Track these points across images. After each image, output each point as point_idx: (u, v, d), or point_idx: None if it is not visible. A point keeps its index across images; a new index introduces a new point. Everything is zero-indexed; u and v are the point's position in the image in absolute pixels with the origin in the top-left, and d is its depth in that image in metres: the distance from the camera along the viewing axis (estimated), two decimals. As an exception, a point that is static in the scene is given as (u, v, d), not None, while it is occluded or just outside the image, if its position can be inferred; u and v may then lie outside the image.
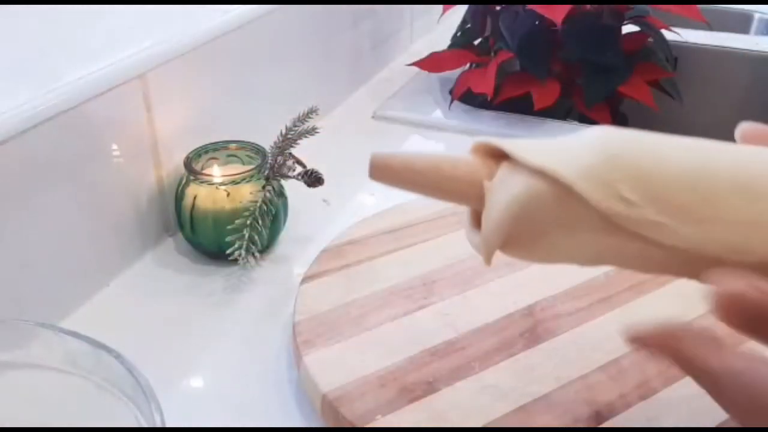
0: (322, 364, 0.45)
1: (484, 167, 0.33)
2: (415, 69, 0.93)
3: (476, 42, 0.92)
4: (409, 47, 1.07)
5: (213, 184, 0.58)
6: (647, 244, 0.30)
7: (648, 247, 0.30)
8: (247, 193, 0.58)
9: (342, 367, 0.45)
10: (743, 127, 0.34)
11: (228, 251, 0.56)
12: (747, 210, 0.29)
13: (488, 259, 0.33)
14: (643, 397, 0.43)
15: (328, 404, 0.43)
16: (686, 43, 1.02)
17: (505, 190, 0.31)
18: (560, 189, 0.30)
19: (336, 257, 0.55)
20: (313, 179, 0.61)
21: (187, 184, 0.59)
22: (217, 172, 0.60)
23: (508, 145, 0.32)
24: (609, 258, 0.32)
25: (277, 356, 0.51)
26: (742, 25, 1.22)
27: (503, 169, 0.32)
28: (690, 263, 0.30)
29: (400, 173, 0.33)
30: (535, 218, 0.31)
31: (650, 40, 0.88)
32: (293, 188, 0.62)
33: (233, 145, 0.63)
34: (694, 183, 0.29)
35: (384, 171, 0.33)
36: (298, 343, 0.47)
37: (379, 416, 0.42)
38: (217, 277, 0.59)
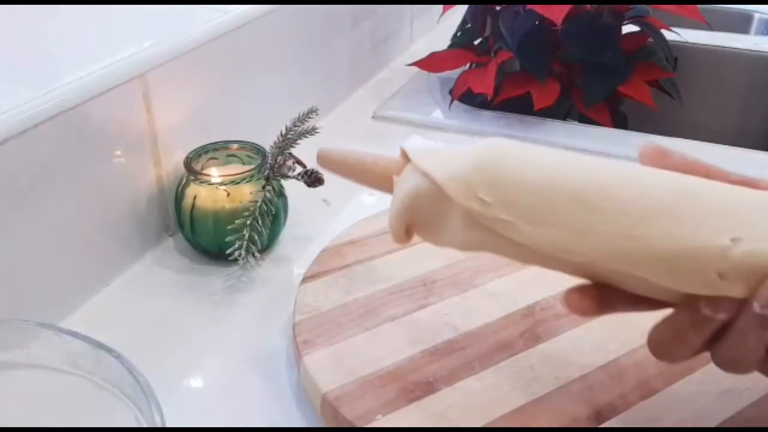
0: (322, 364, 0.45)
1: (397, 166, 0.40)
2: (415, 69, 0.93)
3: (476, 42, 0.92)
4: (409, 47, 1.07)
5: (213, 184, 0.58)
6: (500, 237, 0.35)
7: (501, 240, 0.35)
8: (247, 193, 0.58)
9: (342, 367, 0.45)
10: (642, 148, 0.37)
11: (228, 251, 0.56)
12: (579, 218, 0.34)
13: (395, 239, 0.40)
14: (643, 397, 0.43)
15: (328, 404, 0.43)
16: (686, 43, 1.02)
17: (402, 186, 0.38)
18: (438, 188, 0.36)
19: (336, 257, 0.55)
20: (313, 179, 0.61)
21: (187, 184, 0.59)
22: (215, 173, 0.60)
23: (411, 150, 0.39)
24: (478, 246, 0.38)
25: (277, 356, 0.51)
26: (742, 25, 1.22)
27: (407, 169, 0.39)
28: (536, 257, 0.36)
29: (336, 163, 0.42)
30: (420, 210, 0.38)
31: (650, 40, 0.88)
32: (293, 188, 0.62)
33: (233, 145, 0.63)
34: (540, 191, 0.34)
35: (325, 160, 0.43)
36: (298, 343, 0.47)
37: (379, 416, 0.42)
38: (217, 277, 0.59)
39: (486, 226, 0.35)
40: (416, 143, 0.40)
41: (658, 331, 0.35)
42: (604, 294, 0.36)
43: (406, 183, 0.38)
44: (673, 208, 0.33)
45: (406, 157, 0.40)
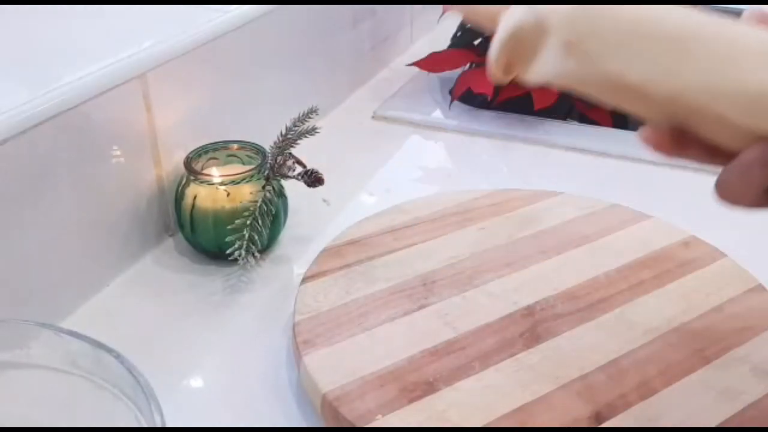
0: (322, 364, 0.45)
1: (503, 6, 0.42)
2: (415, 69, 0.93)
3: (476, 42, 0.92)
4: (409, 47, 1.07)
5: (213, 184, 0.58)
6: (591, 69, 0.38)
7: (592, 73, 0.38)
8: (247, 193, 0.58)
9: (342, 367, 0.45)
10: (748, 11, 0.39)
11: (228, 251, 0.56)
12: (669, 54, 0.36)
13: (494, 75, 0.42)
14: (643, 397, 0.43)
15: (328, 404, 0.43)
16: (686, 43, 1.02)
17: (508, 20, 0.41)
18: (540, 21, 0.39)
19: (336, 257, 0.55)
20: (313, 179, 0.61)
21: (187, 184, 0.59)
22: (215, 173, 0.60)
23: None
24: (570, 78, 0.39)
25: (277, 356, 0.51)
26: (742, 25, 1.21)
27: (513, 6, 0.41)
28: (622, 92, 0.38)
29: None
30: (522, 42, 0.40)
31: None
32: (293, 188, 0.62)
33: (234, 145, 0.63)
34: (636, 27, 0.37)
35: None
36: (298, 343, 0.47)
37: (379, 416, 0.42)
38: (217, 277, 0.59)
39: (580, 58, 0.38)
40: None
41: (725, 170, 0.36)
42: (680, 134, 0.38)
43: (512, 17, 0.41)
44: (764, 52, 0.35)
45: None
